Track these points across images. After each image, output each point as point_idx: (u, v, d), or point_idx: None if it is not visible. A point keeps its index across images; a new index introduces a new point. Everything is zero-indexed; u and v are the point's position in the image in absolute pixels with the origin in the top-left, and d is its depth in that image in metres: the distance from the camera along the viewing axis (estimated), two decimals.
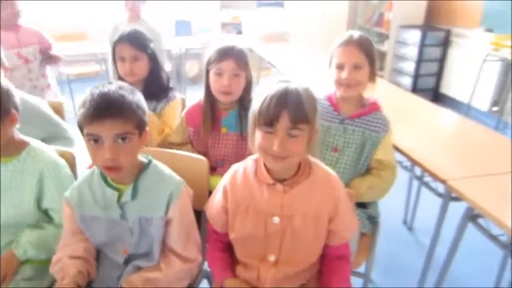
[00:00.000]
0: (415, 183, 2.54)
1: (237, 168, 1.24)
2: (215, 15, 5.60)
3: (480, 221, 1.60)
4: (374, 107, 1.63)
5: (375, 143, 1.59)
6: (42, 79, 2.95)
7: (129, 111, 1.08)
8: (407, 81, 5.07)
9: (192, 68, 5.51)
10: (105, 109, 1.04)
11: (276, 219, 1.15)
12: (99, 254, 1.30)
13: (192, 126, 1.75)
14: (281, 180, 1.14)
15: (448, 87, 4.93)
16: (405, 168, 2.37)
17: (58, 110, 1.98)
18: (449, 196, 1.66)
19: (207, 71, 1.65)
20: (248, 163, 1.22)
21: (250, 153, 1.21)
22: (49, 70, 3.04)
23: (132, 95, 1.12)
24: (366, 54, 1.54)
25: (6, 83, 1.28)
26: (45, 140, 1.61)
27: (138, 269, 1.22)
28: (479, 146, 1.92)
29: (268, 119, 1.03)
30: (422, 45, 4.80)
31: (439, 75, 5.00)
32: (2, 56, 2.04)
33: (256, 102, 1.08)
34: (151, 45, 1.90)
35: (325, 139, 1.64)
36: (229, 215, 1.23)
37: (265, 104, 1.04)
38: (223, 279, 1.24)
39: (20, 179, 1.33)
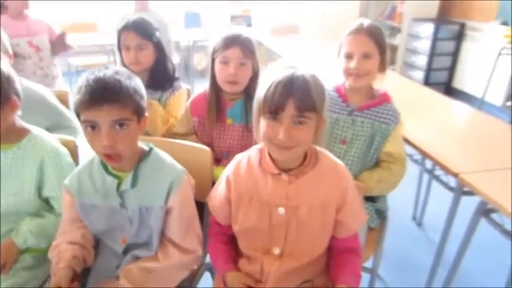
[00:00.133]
0: (425, 177, 2.48)
1: (241, 158, 1.20)
2: (225, 8, 5.56)
3: (493, 215, 1.56)
4: (384, 98, 1.58)
5: (385, 135, 1.54)
6: (53, 67, 2.95)
7: (126, 97, 1.05)
8: (419, 75, 5.01)
9: (200, 61, 5.47)
10: (101, 94, 1.01)
11: (281, 210, 1.12)
12: (98, 243, 1.28)
13: (197, 117, 1.72)
14: (286, 170, 1.10)
15: (461, 82, 4.87)
16: (415, 161, 2.32)
17: (63, 99, 1.97)
18: (461, 190, 1.62)
19: (213, 60, 1.61)
20: (252, 153, 1.18)
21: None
22: (56, 60, 3.04)
23: (129, 80, 1.08)
24: (376, 42, 1.49)
25: (9, 70, 1.26)
26: (50, 129, 1.60)
27: (137, 258, 1.20)
28: (493, 139, 1.87)
29: (274, 107, 0.99)
30: (435, 39, 4.74)
31: (451, 69, 4.94)
32: (4, 44, 2.02)
33: (261, 88, 1.04)
34: (157, 33, 1.86)
35: (333, 131, 1.60)
36: (232, 206, 1.19)
37: (271, 91, 1.00)
38: (225, 272, 1.20)
39: (20, 166, 1.31)
